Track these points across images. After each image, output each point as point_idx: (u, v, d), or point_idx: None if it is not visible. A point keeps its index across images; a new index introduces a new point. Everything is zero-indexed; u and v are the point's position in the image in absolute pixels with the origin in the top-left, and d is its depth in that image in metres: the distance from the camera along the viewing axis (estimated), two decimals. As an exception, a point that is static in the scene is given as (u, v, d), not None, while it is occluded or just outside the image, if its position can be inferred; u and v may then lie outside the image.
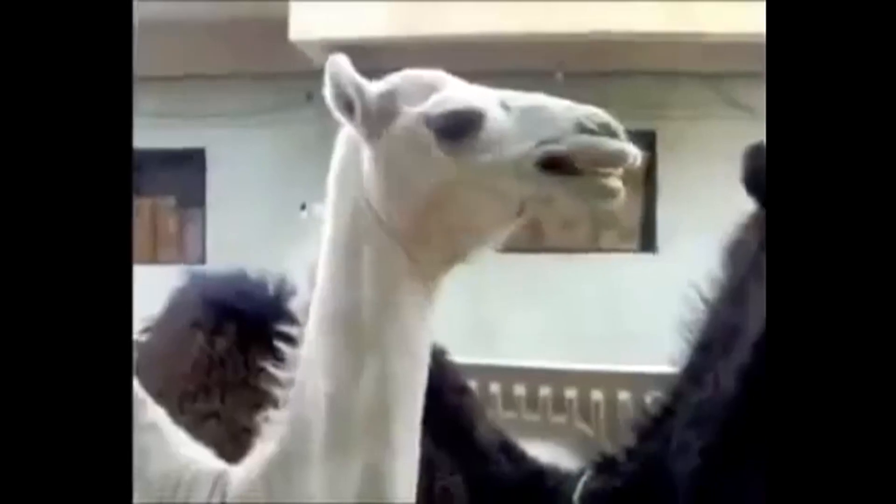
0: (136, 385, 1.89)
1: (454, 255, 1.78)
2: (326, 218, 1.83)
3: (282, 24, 8.28)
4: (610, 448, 2.39)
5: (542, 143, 1.64)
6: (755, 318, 2.14)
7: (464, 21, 8.00)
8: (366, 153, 1.77)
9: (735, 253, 2.28)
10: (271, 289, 2.37)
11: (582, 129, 1.62)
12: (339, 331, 1.80)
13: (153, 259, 10.37)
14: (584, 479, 2.32)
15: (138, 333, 2.43)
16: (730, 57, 8.65)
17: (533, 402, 3.53)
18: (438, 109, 1.71)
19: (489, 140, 1.67)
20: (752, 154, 2.22)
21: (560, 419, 3.49)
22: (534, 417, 3.52)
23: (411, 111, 1.72)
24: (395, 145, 1.73)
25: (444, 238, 1.75)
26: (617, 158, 1.62)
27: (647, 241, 9.89)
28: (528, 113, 1.68)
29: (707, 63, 9.11)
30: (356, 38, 8.08)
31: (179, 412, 2.02)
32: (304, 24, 8.28)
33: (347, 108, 1.75)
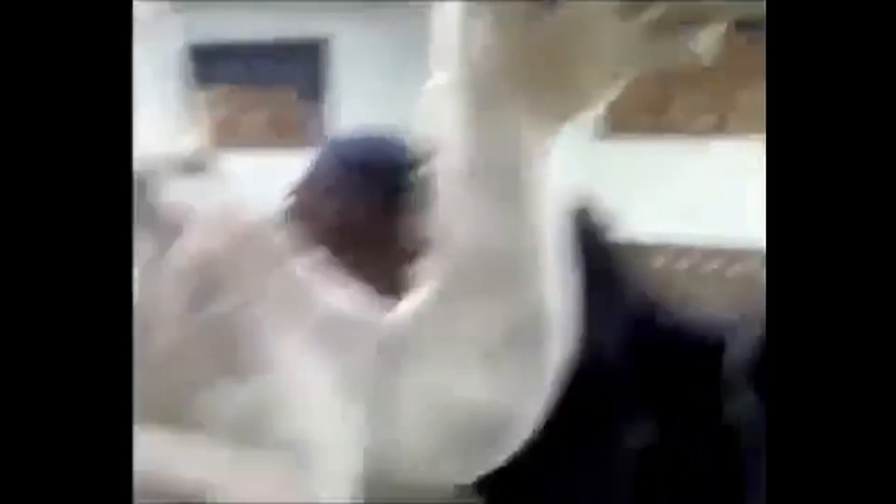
0: (283, 234, 1.97)
1: (572, 106, 1.74)
2: (452, 87, 1.80)
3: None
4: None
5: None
6: None
7: None
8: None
9: None
10: (409, 150, 2.37)
11: None
12: (478, 184, 1.80)
13: (279, 146, 10.51)
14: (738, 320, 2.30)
15: (281, 200, 2.47)
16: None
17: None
18: None
19: None
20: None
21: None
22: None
23: None
24: None
25: (559, 84, 1.70)
26: None
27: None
28: None
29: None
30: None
31: (331, 267, 2.07)
32: None
33: None
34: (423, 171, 1.95)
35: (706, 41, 1.54)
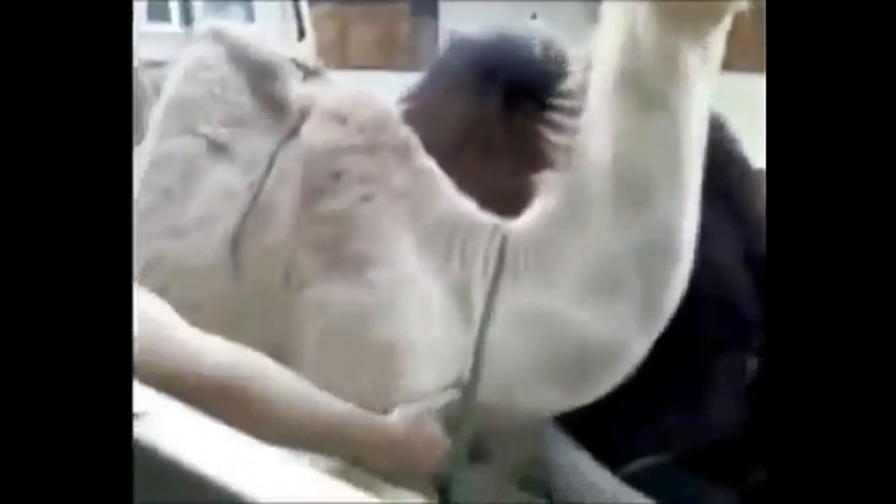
0: (407, 129, 1.93)
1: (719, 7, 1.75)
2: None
3: None
4: None
5: None
6: None
7: None
8: None
9: None
10: (537, 50, 2.29)
11: None
12: (623, 95, 1.81)
13: (389, 65, 10.46)
14: None
15: (399, 101, 2.40)
16: None
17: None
18: None
19: None
20: None
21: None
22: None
23: None
24: None
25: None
26: None
27: None
28: None
29: None
30: None
31: (448, 173, 2.02)
32: None
33: None
34: (567, 81, 1.90)
35: None
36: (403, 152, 1.97)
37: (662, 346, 1.91)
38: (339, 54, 10.83)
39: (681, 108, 1.77)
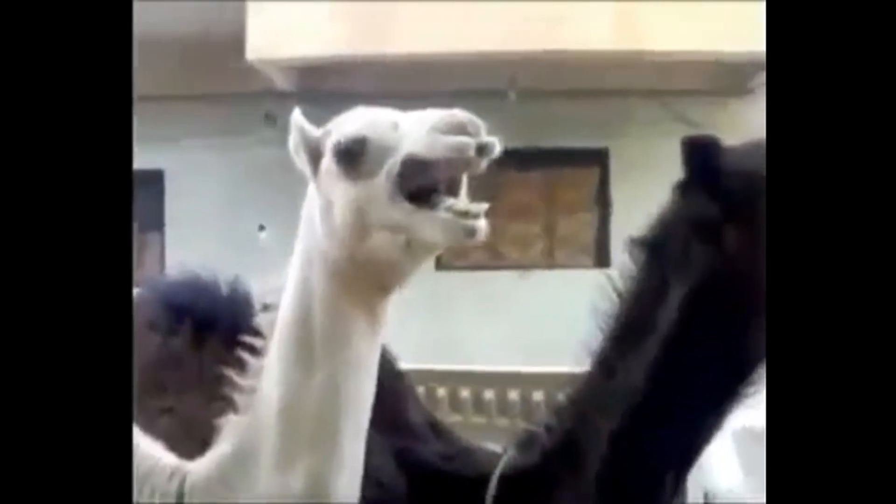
0: None
1: (386, 283, 1.87)
2: (294, 250, 1.94)
3: (238, 44, 8.32)
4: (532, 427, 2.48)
5: (405, 155, 1.75)
6: (669, 312, 2.24)
7: (418, 40, 8.10)
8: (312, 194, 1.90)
9: (658, 246, 2.32)
10: (224, 290, 2.48)
11: (435, 131, 1.72)
12: (292, 347, 1.91)
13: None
14: (505, 456, 2.41)
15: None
16: (680, 75, 8.81)
17: (479, 405, 3.64)
18: (333, 139, 1.84)
19: (374, 164, 1.78)
20: (695, 147, 2.25)
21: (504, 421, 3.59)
22: (480, 420, 3.62)
23: (329, 146, 1.85)
24: (323, 181, 1.86)
25: (371, 267, 1.84)
26: (457, 151, 1.71)
27: (601, 257, 10.00)
28: (398, 130, 1.79)
29: (658, 81, 9.26)
30: (313, 58, 8.16)
31: (137, 410, 2.09)
32: (261, 44, 8.32)
33: (309, 157, 1.89)
34: (255, 319, 2.00)
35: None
36: None
37: None
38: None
39: (342, 366, 1.86)
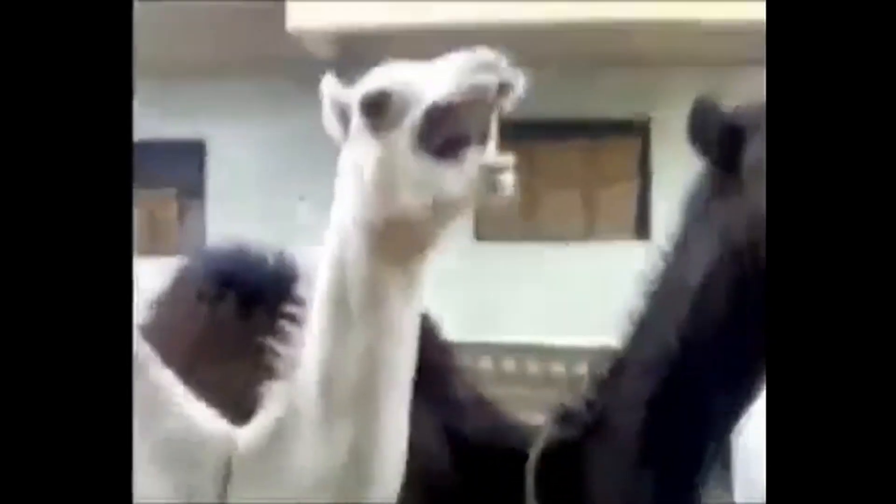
0: (145, 345, 1.98)
1: (418, 245, 1.86)
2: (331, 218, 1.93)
3: (279, 13, 8.31)
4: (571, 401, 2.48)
5: (428, 105, 1.70)
6: (695, 268, 2.23)
7: (459, 10, 8.04)
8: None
9: (687, 204, 2.38)
10: (271, 261, 2.49)
11: (458, 75, 1.67)
12: (330, 313, 1.91)
13: (154, 251, 10.40)
14: (545, 431, 2.42)
15: (145, 309, 2.51)
16: (726, 44, 8.69)
17: (522, 377, 3.62)
18: (357, 96, 1.81)
19: (398, 116, 1.74)
20: (697, 108, 2.35)
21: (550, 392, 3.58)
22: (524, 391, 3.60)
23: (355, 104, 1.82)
24: (353, 142, 1.85)
25: (401, 228, 1.81)
26: (478, 91, 1.65)
27: (641, 229, 9.91)
28: (421, 81, 1.74)
29: (704, 51, 9.14)
30: (353, 27, 8.14)
31: (185, 380, 2.11)
32: (302, 13, 8.31)
33: (339, 120, 1.88)
34: (298, 287, 2.01)
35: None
36: (137, 369, 2.04)
37: None
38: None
39: (377, 329, 1.85)
